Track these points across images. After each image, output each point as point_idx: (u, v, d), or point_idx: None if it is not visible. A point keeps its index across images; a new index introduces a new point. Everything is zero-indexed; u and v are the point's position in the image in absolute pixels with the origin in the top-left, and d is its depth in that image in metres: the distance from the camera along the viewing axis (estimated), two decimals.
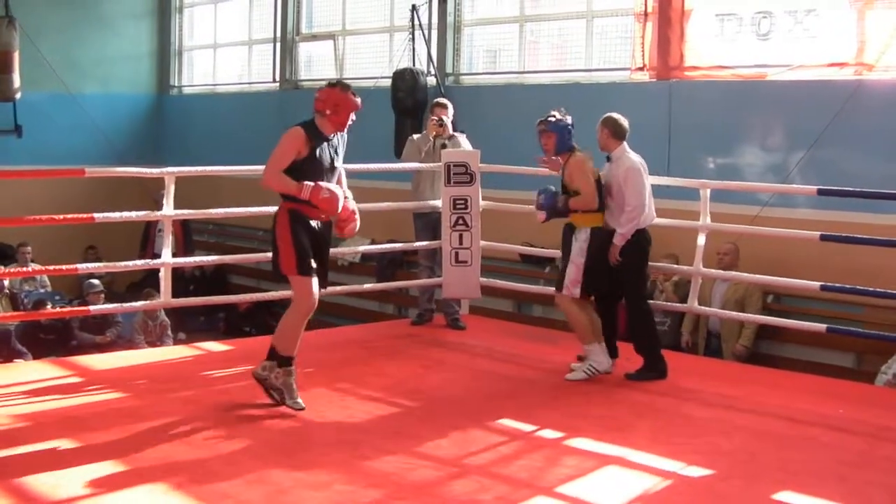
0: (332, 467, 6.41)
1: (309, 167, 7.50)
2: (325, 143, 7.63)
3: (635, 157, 8.95)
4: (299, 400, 7.49)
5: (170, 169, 9.79)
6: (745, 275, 10.51)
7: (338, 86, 7.75)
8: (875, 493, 6.29)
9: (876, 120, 11.11)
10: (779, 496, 6.21)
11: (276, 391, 7.53)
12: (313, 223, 7.59)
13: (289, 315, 7.59)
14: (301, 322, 7.58)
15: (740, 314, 10.75)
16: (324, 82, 17.17)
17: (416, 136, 11.06)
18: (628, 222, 8.76)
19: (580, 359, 8.87)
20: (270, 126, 17.49)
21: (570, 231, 8.85)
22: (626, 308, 9.12)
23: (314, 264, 7.50)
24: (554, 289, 9.17)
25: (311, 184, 7.42)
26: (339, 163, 7.81)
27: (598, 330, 8.79)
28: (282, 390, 7.52)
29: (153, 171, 10.03)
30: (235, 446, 6.74)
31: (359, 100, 7.71)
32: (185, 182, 10.11)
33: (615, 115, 9.10)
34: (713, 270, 10.60)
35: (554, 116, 8.93)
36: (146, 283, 13.81)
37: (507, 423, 7.46)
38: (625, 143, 9.00)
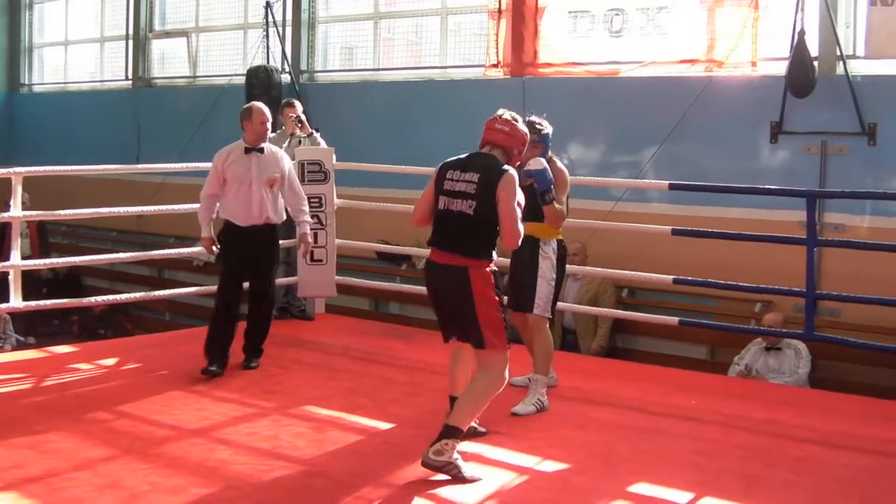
0: (188, 471, 6.31)
1: None
2: None
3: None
4: (467, 472, 6.23)
5: (17, 169, 9.53)
6: (599, 269, 10.56)
7: (520, 121, 6.66)
8: (728, 480, 6.39)
9: (726, 115, 11.34)
10: (635, 487, 6.26)
11: (452, 467, 6.20)
12: None
13: (483, 391, 6.39)
14: (490, 397, 6.45)
15: (593, 308, 10.87)
16: (180, 80, 17.21)
17: (272, 135, 10.95)
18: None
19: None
20: (123, 124, 17.36)
21: (532, 245, 7.69)
22: (262, 298, 9.01)
23: None
24: (517, 310, 7.91)
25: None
26: None
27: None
28: (454, 464, 6.21)
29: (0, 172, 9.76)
30: (89, 452, 6.59)
31: None
32: (37, 182, 9.90)
33: None
34: (576, 267, 10.64)
35: (540, 125, 7.78)
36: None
37: (365, 421, 7.41)
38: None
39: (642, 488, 6.25)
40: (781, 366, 10.00)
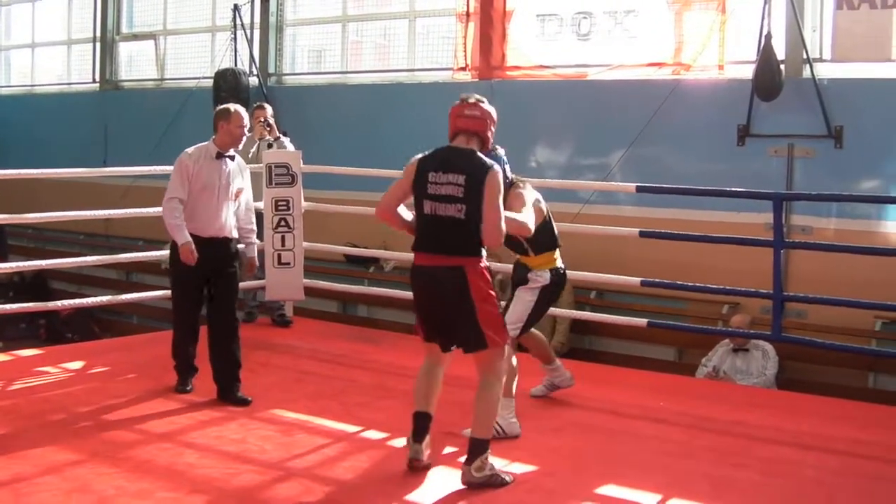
0: (155, 475, 6.29)
1: None
2: None
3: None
4: (507, 476, 6.29)
5: None
6: (569, 272, 10.56)
7: (485, 102, 6.47)
8: (697, 481, 6.42)
9: (693, 118, 11.38)
10: (603, 489, 6.28)
11: (494, 479, 6.21)
12: None
13: (494, 392, 6.32)
14: (500, 395, 6.45)
15: (555, 310, 10.85)
16: (148, 83, 17.18)
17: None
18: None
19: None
20: (91, 127, 17.28)
21: (523, 270, 7.58)
22: (229, 321, 8.28)
23: None
24: None
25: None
26: None
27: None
28: (495, 474, 6.23)
29: None
30: (57, 456, 6.54)
31: None
32: (3, 185, 9.82)
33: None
34: None
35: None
36: None
37: (332, 424, 7.40)
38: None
39: (611, 490, 6.27)
40: (749, 367, 10.04)
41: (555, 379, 8.12)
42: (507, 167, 7.31)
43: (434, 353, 6.51)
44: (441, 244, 6.21)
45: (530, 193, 7.34)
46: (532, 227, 7.07)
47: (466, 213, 6.11)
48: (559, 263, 7.59)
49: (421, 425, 6.40)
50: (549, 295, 7.60)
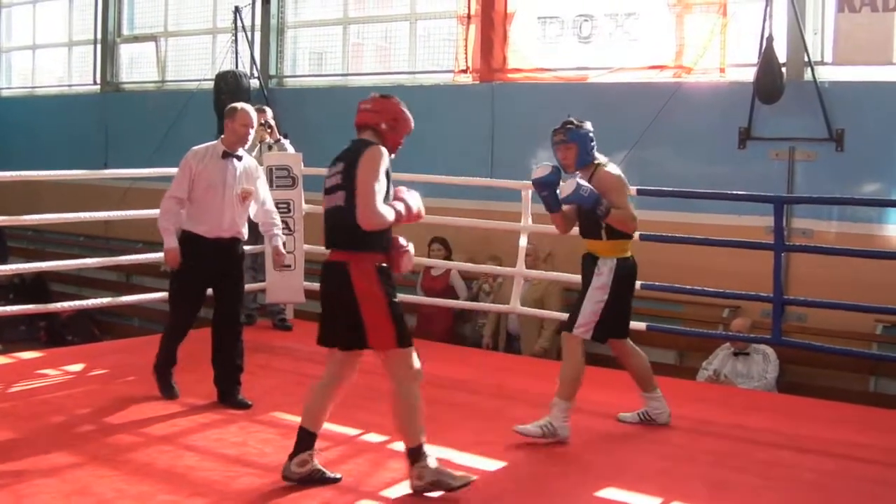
0: (156, 477, 6.29)
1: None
2: None
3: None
4: (456, 479, 6.08)
5: None
6: (565, 275, 10.54)
7: (394, 98, 6.33)
8: (695, 485, 6.42)
9: (694, 121, 11.36)
10: (603, 493, 6.28)
11: (439, 483, 6.06)
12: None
13: (409, 399, 6.13)
14: (419, 398, 6.14)
15: (543, 312, 10.79)
16: (149, 85, 17.11)
17: None
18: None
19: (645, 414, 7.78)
20: (91, 129, 17.27)
21: (591, 263, 7.35)
22: (232, 322, 8.25)
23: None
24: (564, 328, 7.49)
25: (402, 203, 6.17)
26: None
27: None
28: (439, 479, 6.05)
29: None
30: (57, 459, 6.54)
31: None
32: (3, 187, 9.81)
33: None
34: (534, 271, 10.63)
35: (572, 123, 7.36)
36: None
37: (332, 427, 7.35)
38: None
39: (610, 493, 6.28)
40: (750, 371, 10.03)
41: (651, 410, 7.72)
42: (594, 143, 7.34)
43: (334, 364, 6.33)
44: (331, 237, 6.12)
45: (621, 177, 7.32)
46: (634, 223, 7.24)
47: (346, 200, 5.99)
48: (629, 254, 7.39)
49: (300, 440, 6.24)
50: (620, 288, 7.30)
